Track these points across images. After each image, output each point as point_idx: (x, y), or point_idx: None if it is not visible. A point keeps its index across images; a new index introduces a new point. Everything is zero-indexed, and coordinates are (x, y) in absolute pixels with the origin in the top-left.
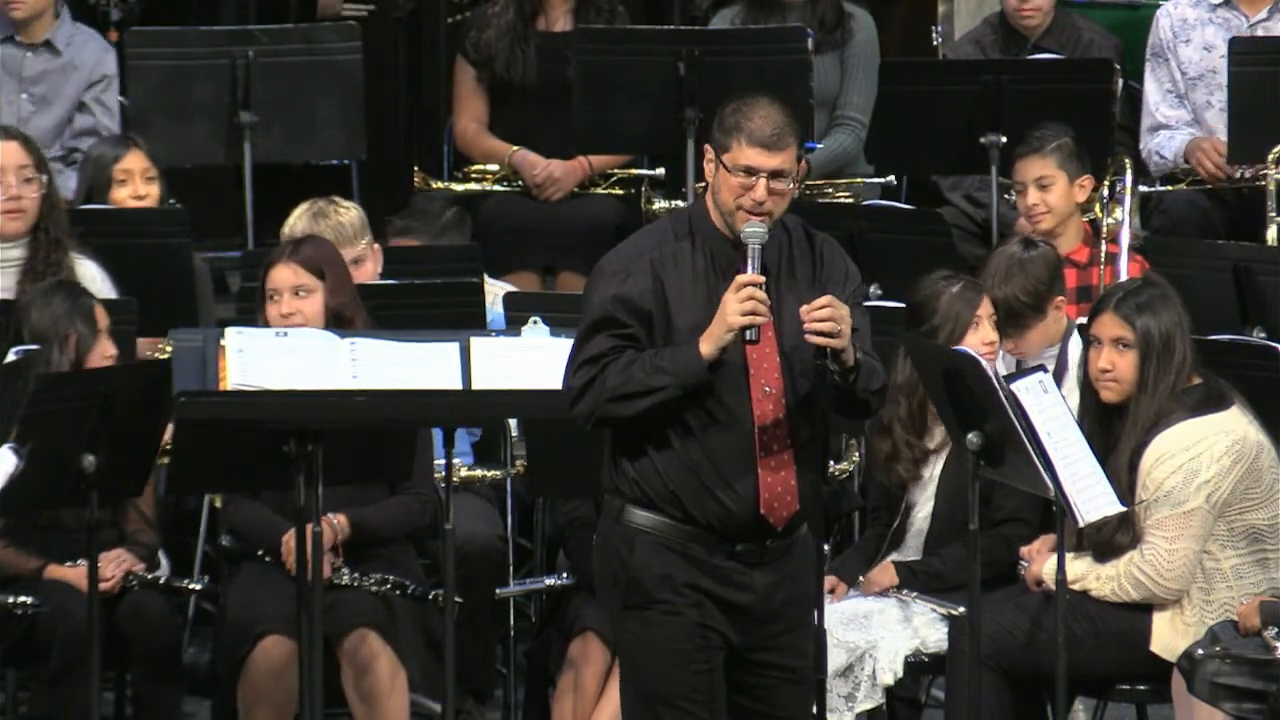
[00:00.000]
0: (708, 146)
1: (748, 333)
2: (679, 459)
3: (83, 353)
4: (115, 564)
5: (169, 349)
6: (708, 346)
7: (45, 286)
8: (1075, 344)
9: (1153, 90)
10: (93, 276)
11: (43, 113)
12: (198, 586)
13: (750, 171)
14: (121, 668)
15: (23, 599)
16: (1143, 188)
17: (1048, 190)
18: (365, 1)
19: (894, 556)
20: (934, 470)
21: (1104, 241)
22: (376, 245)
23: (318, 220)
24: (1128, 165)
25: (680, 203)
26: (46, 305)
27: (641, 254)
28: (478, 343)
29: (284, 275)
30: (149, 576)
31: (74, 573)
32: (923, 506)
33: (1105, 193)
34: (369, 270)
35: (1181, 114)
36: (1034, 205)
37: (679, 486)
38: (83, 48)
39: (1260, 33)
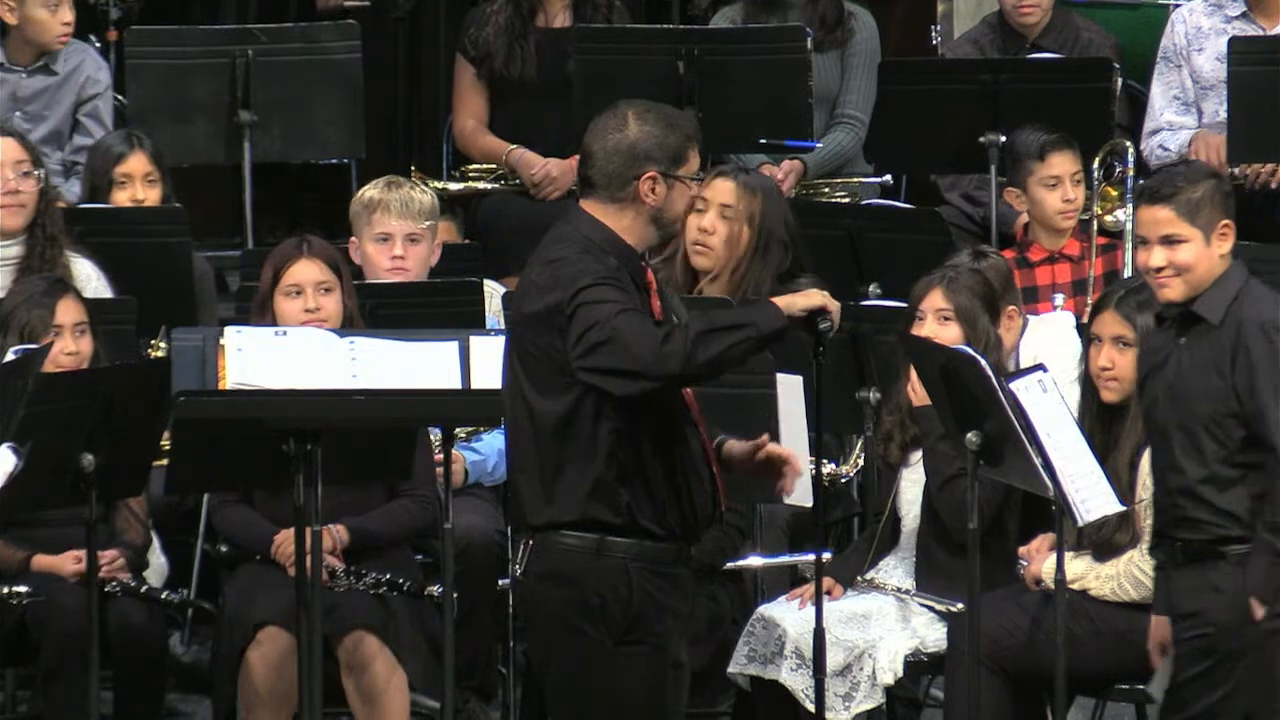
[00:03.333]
0: (652, 174)
1: (823, 323)
2: (658, 474)
3: (30, 343)
4: (104, 564)
5: (161, 347)
6: (783, 304)
7: (32, 278)
8: (1025, 345)
9: (1159, 94)
10: (88, 275)
11: (37, 127)
12: (176, 599)
13: (702, 174)
14: (114, 669)
15: (19, 589)
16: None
17: (1080, 184)
18: None
19: (888, 558)
20: (922, 468)
21: (1095, 233)
22: (441, 241)
23: (390, 189)
24: (1129, 148)
25: None
26: (18, 290)
27: (609, 271)
28: (477, 342)
29: (308, 270)
30: (132, 584)
31: (60, 560)
32: (913, 505)
33: (1099, 174)
34: (422, 252)
35: (1187, 120)
36: (1073, 199)
37: (667, 501)
38: (77, 63)
39: None
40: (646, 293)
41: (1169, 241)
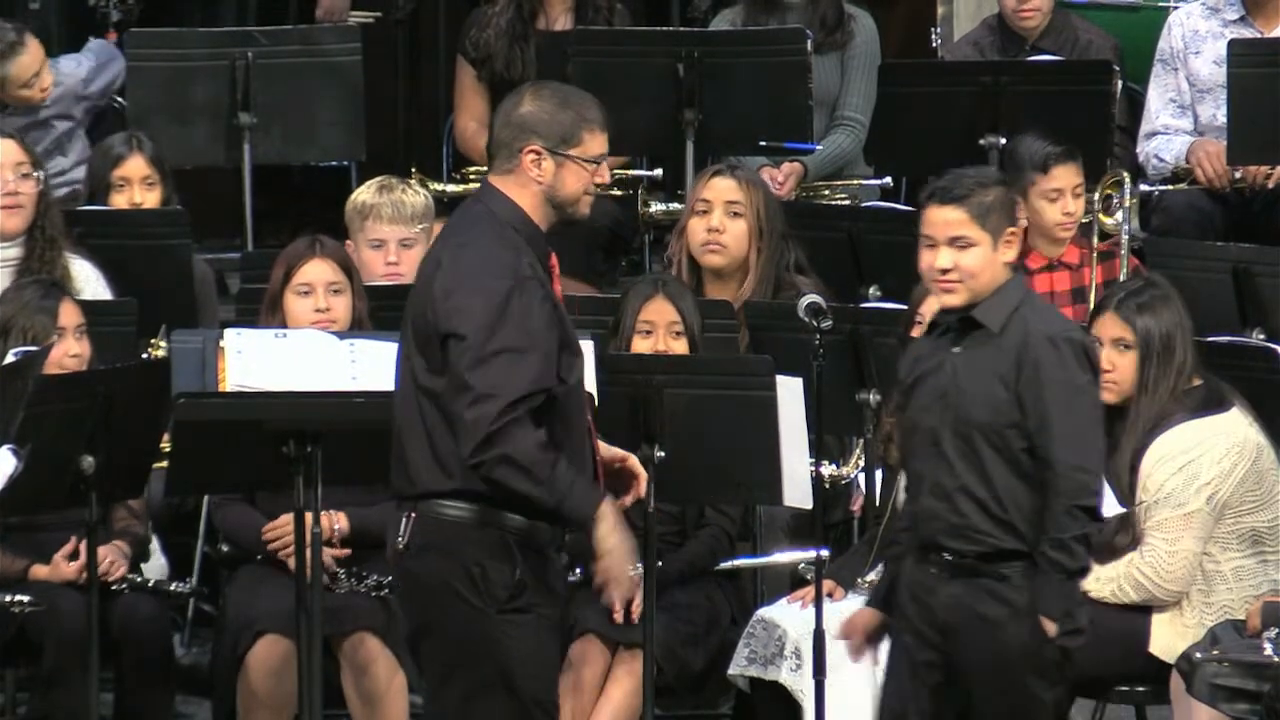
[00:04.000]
0: (535, 147)
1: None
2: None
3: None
4: (105, 563)
5: (161, 346)
6: (607, 516)
7: (24, 280)
8: None
9: (1155, 97)
10: (87, 277)
11: (38, 145)
12: (185, 589)
13: (601, 158)
14: (117, 668)
15: (20, 598)
16: (1143, 187)
17: (1080, 197)
18: (371, 9)
19: None
20: None
21: (1094, 241)
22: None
23: (381, 193)
24: (1126, 179)
25: (677, 205)
26: (14, 297)
27: (527, 270)
28: None
29: (320, 270)
30: (138, 580)
31: (55, 570)
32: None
33: (1098, 204)
34: (416, 256)
35: (1183, 124)
36: (1073, 213)
37: None
38: (59, 83)
39: None
40: (549, 276)
41: (957, 244)
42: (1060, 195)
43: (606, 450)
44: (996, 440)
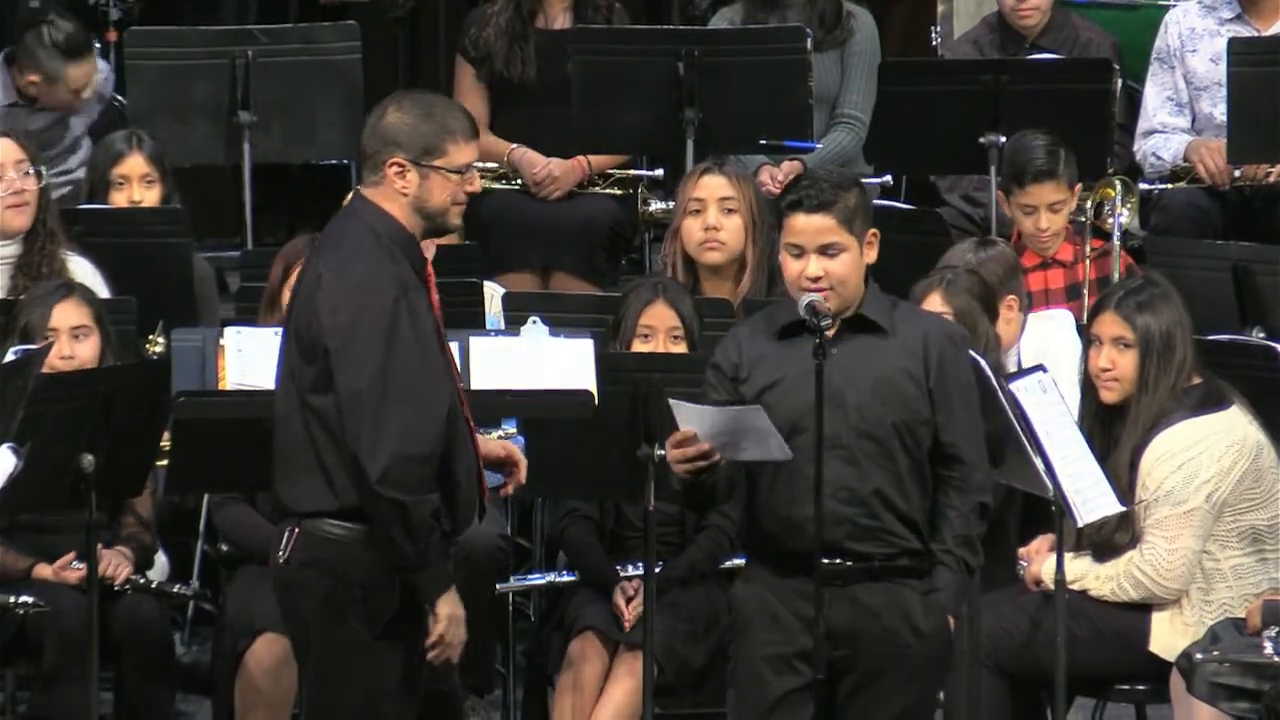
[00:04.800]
0: (398, 160)
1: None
2: (455, 468)
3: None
4: (111, 566)
5: (159, 342)
6: (451, 591)
7: (48, 282)
8: (1026, 345)
9: (1152, 95)
10: (85, 275)
11: (53, 149)
12: (188, 592)
13: (468, 167)
14: (116, 668)
15: (24, 599)
16: (1143, 185)
17: (1058, 213)
18: None
19: None
20: None
21: (1087, 240)
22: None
23: None
24: (1119, 186)
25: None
26: (30, 291)
27: (410, 280)
28: (477, 343)
29: None
30: (141, 581)
31: (60, 574)
32: None
33: (1090, 211)
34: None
35: (1180, 122)
36: (1046, 229)
37: (457, 496)
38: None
39: None
40: (425, 286)
41: (827, 251)
42: (1035, 211)
43: (486, 445)
44: (909, 439)
